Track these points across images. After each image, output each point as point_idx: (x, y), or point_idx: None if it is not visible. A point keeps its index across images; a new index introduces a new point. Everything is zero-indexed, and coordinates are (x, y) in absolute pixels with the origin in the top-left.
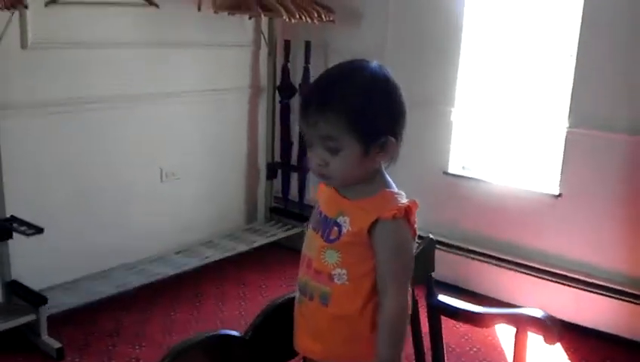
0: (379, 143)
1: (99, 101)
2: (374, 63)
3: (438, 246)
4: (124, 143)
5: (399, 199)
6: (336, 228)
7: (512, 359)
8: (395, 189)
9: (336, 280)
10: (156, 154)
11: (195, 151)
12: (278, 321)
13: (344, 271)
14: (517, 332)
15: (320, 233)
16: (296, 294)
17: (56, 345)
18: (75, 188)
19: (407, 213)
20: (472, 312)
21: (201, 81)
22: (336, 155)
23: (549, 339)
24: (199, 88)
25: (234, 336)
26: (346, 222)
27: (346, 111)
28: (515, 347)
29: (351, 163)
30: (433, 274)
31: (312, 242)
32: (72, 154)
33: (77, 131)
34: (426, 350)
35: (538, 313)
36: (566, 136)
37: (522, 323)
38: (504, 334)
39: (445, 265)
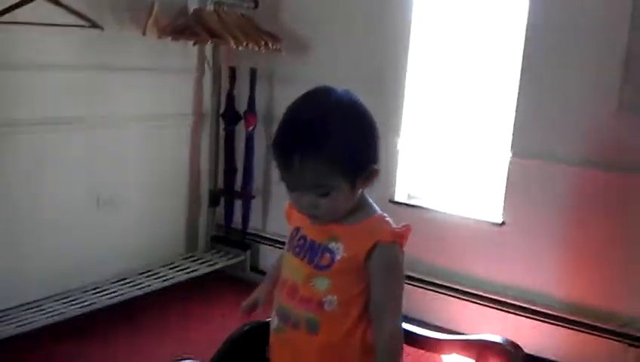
0: (366, 175)
1: (36, 124)
2: (340, 90)
3: None
4: (60, 168)
5: (391, 223)
6: (328, 255)
7: None
8: (380, 212)
9: (326, 307)
10: (93, 179)
11: (134, 178)
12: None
13: (334, 298)
14: (478, 357)
15: (306, 259)
16: (274, 322)
17: None
18: (7, 213)
19: (402, 238)
20: (429, 338)
21: (143, 106)
22: (326, 197)
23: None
24: (140, 113)
25: None
26: (339, 249)
27: (334, 157)
28: None
29: (341, 201)
30: None
31: (295, 268)
32: (5, 178)
33: (12, 154)
34: None
35: (497, 338)
36: (509, 166)
37: (483, 349)
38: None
39: None
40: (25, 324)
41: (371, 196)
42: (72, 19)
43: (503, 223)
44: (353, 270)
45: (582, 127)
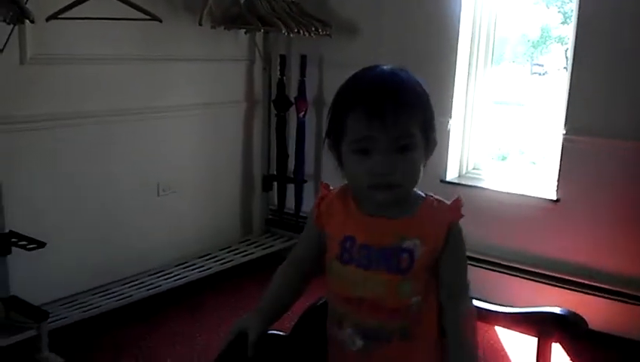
0: (432, 142)
1: (96, 115)
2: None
3: None
4: (122, 157)
5: (443, 200)
6: (405, 256)
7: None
8: (424, 192)
9: (414, 310)
10: (153, 168)
11: (190, 165)
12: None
13: (420, 297)
14: (540, 331)
15: (383, 268)
16: (351, 343)
17: (58, 360)
18: (74, 202)
19: (460, 212)
20: (491, 311)
21: (197, 95)
22: (407, 155)
23: (576, 335)
24: (195, 102)
25: None
26: (416, 245)
27: (419, 106)
28: (538, 346)
29: (417, 163)
30: None
31: (369, 282)
32: (70, 169)
33: (75, 146)
34: None
35: (560, 310)
36: (562, 142)
37: (546, 321)
38: (506, 338)
39: None
40: (92, 308)
41: (423, 176)
42: (132, 12)
43: (558, 200)
44: (432, 261)
45: (638, 102)
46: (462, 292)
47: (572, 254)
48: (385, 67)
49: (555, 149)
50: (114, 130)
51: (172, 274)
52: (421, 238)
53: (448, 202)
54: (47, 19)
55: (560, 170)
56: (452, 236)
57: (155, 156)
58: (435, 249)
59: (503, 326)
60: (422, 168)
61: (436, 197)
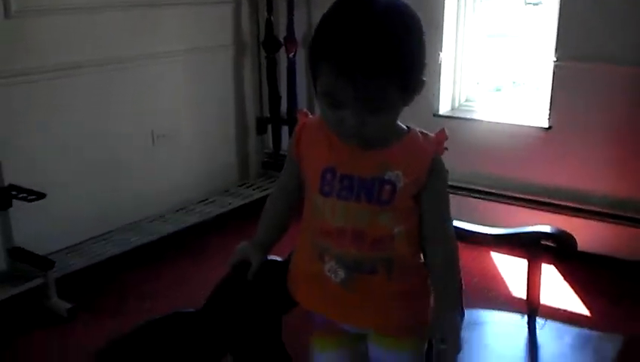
0: (417, 89)
1: (87, 65)
2: None
3: None
4: (115, 106)
5: (428, 132)
6: (387, 187)
7: (511, 287)
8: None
9: (396, 240)
10: (147, 115)
11: (184, 111)
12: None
13: (402, 228)
14: (531, 250)
15: (364, 199)
16: (332, 273)
17: (67, 305)
18: (71, 152)
19: (443, 145)
20: (483, 234)
21: (185, 40)
22: (378, 114)
23: (567, 252)
24: (183, 47)
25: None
26: (398, 176)
27: (397, 70)
28: (529, 267)
29: (391, 118)
30: None
31: (351, 212)
32: (64, 120)
33: (67, 97)
34: None
35: (549, 228)
36: (554, 69)
37: (536, 239)
38: (502, 264)
39: None
40: (96, 256)
41: (414, 110)
42: None
43: (550, 128)
44: (414, 194)
45: (631, 26)
46: (445, 227)
47: (564, 180)
48: (376, 3)
49: (547, 77)
50: (106, 79)
51: (172, 220)
52: (404, 170)
53: (433, 135)
54: None
55: (551, 98)
56: (435, 169)
57: (149, 103)
58: (418, 181)
59: (495, 247)
60: (398, 115)
61: (420, 130)
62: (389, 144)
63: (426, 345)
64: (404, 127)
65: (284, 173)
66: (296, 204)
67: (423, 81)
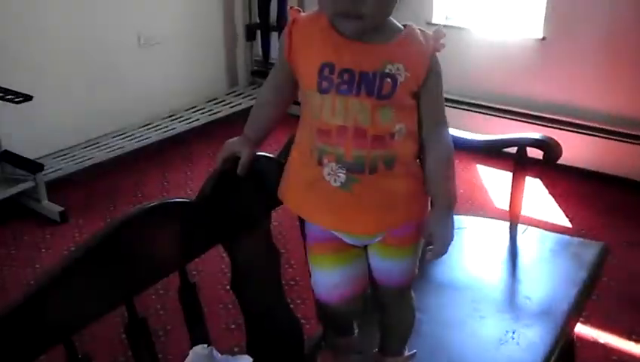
0: None
1: None
2: None
3: None
4: (103, 9)
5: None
6: (388, 80)
7: (495, 199)
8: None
9: (396, 138)
10: (133, 18)
11: (171, 16)
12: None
13: (403, 125)
14: (517, 154)
15: (364, 93)
16: (332, 176)
17: (58, 208)
18: (59, 55)
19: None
20: (473, 140)
21: None
22: None
23: (552, 156)
24: None
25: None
26: (399, 70)
27: None
28: (514, 170)
29: None
30: None
31: (352, 108)
32: (54, 19)
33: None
34: None
35: (536, 135)
36: None
37: (523, 145)
38: (488, 176)
39: None
40: (85, 160)
41: (407, 17)
42: None
43: (544, 38)
44: (413, 90)
45: None
46: (441, 122)
47: (557, 93)
48: None
49: None
50: None
51: (161, 126)
52: (405, 64)
53: (431, 32)
54: None
55: (547, 7)
56: (433, 66)
57: (135, 6)
58: (418, 76)
59: (482, 154)
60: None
61: (417, 26)
62: (389, 38)
63: (422, 246)
64: (400, 24)
65: (273, 72)
66: (284, 104)
67: None
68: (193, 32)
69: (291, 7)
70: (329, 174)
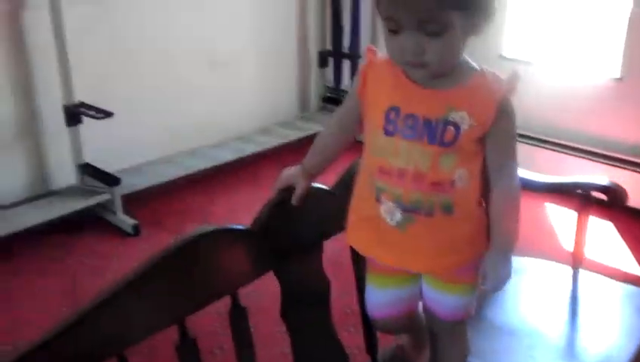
0: (480, 15)
1: None
2: None
3: None
4: (176, 29)
5: (499, 74)
6: (451, 128)
7: (560, 239)
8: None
9: (457, 185)
10: (207, 42)
11: (245, 41)
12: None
13: (464, 171)
14: (581, 200)
15: (426, 140)
16: (389, 214)
17: (132, 221)
18: (135, 74)
19: (514, 89)
20: (537, 182)
21: None
22: (437, 39)
23: (615, 201)
24: None
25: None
26: (463, 118)
27: None
28: (578, 215)
29: (452, 45)
30: None
31: (413, 153)
32: (129, 42)
33: (131, 19)
34: None
35: (601, 180)
36: (629, 17)
37: (587, 189)
38: (553, 216)
39: None
40: (159, 176)
41: (479, 51)
42: None
43: (621, 78)
44: (479, 137)
45: None
46: (509, 165)
47: (633, 134)
48: None
49: (622, 24)
50: (169, 5)
51: (231, 147)
52: (469, 111)
53: (504, 77)
54: None
55: (625, 47)
56: (503, 111)
57: (210, 31)
58: (484, 123)
59: (546, 194)
60: (462, 45)
61: (491, 70)
62: (456, 84)
63: (478, 287)
64: (476, 66)
65: (343, 106)
66: (348, 139)
67: (488, 7)
68: (267, 57)
69: (368, 47)
70: (385, 212)
